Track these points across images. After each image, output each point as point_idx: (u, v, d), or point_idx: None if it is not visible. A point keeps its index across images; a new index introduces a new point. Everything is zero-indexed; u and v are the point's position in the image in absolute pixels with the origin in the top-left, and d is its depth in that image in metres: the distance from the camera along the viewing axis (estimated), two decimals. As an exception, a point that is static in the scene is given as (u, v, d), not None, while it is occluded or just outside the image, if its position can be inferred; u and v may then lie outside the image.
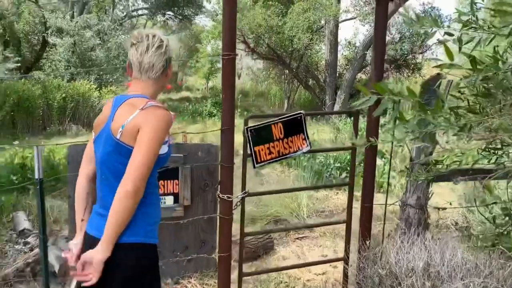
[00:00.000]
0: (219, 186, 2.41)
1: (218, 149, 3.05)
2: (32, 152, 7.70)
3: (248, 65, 23.22)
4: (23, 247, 4.09)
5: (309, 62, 13.89)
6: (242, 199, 2.45)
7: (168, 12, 22.50)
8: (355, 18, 13.28)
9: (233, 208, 2.42)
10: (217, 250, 2.92)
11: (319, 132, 10.40)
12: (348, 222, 2.75)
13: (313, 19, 12.13)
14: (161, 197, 3.41)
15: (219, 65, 25.10)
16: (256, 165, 2.40)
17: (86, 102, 12.72)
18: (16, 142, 9.01)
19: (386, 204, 2.79)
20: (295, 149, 2.49)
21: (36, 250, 3.73)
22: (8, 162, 5.64)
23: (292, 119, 2.45)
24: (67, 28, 14.17)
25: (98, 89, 13.29)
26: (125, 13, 22.04)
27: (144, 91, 1.73)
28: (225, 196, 2.36)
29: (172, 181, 3.42)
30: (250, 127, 2.36)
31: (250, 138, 2.36)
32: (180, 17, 22.48)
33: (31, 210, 4.74)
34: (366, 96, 1.60)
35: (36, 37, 15.32)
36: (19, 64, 13.21)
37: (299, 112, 2.46)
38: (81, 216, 1.80)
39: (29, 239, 4.18)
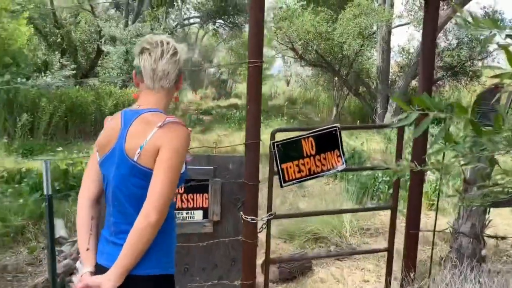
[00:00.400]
0: (242, 206, 2.19)
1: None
2: (74, 159, 7.88)
3: (297, 72, 23.02)
4: (57, 256, 4.07)
5: (360, 69, 13.43)
6: (268, 222, 2.21)
7: (219, 21, 22.75)
8: (408, 23, 12.70)
9: (258, 231, 2.19)
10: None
11: (369, 142, 9.97)
12: (390, 250, 2.44)
13: (364, 25, 11.68)
14: (190, 211, 3.24)
15: (268, 72, 25.10)
16: (283, 184, 2.16)
17: (136, 109, 12.96)
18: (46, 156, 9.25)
19: (434, 230, 2.45)
20: (329, 167, 2.22)
21: (67, 261, 3.68)
22: (51, 169, 5.72)
23: (325, 133, 2.19)
24: (120, 37, 14.58)
25: (147, 96, 13.51)
26: (177, 22, 22.50)
27: (157, 104, 1.57)
28: (249, 218, 2.13)
29: (201, 195, 3.23)
30: (277, 142, 2.12)
31: (277, 154, 2.13)
32: (231, 25, 22.66)
33: (69, 217, 4.74)
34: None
35: (91, 46, 15.89)
36: (74, 72, 13.70)
37: (333, 125, 2.20)
38: (86, 245, 1.61)
39: (63, 248, 4.15)
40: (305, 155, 2.17)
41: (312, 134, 2.16)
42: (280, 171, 2.13)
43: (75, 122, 12.00)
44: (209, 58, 28.63)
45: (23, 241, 4.34)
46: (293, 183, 2.17)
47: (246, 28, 23.26)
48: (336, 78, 13.66)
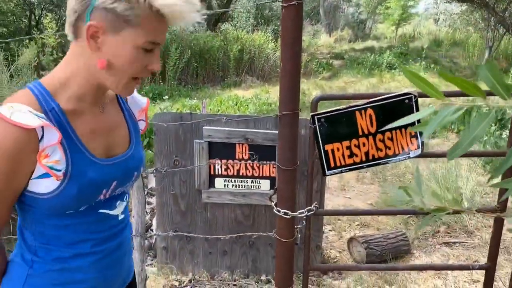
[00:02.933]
0: (275, 195, 1.69)
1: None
2: (199, 105, 7.97)
3: (446, 9, 20.20)
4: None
5: (523, 2, 11.00)
6: (308, 218, 1.68)
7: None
8: None
9: (295, 228, 1.68)
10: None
11: None
12: (491, 268, 1.72)
13: None
14: (256, 180, 2.84)
15: (413, 10, 22.48)
16: (327, 172, 1.58)
17: (262, 54, 12.75)
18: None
19: None
20: (397, 151, 1.56)
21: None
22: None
23: (393, 103, 1.52)
24: (249, -22, 14.23)
25: (274, 40, 13.14)
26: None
27: (56, 70, 0.99)
28: (282, 211, 1.64)
29: (268, 163, 2.79)
30: (319, 114, 1.53)
31: (319, 132, 1.55)
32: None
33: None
34: None
35: (224, -11, 15.85)
36: (205, 17, 13.89)
37: (406, 92, 1.50)
38: None
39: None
40: (360, 133, 1.54)
41: (371, 105, 1.51)
42: (323, 155, 1.56)
43: (203, 67, 12.29)
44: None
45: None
46: (342, 171, 1.58)
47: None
48: (491, 15, 11.42)
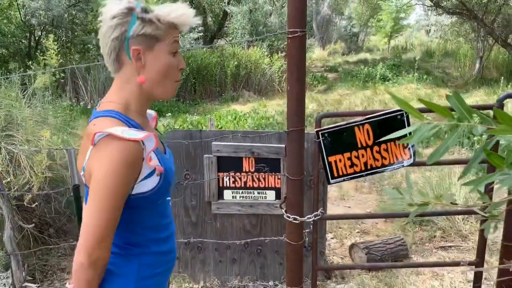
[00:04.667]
0: (284, 203, 1.89)
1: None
2: (205, 122, 8.19)
3: (436, 21, 20.65)
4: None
5: (510, 14, 11.35)
6: (315, 223, 1.88)
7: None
8: None
9: (303, 232, 1.88)
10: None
11: None
12: (479, 264, 1.92)
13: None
14: (262, 191, 3.04)
15: (405, 22, 22.92)
16: (331, 181, 1.79)
17: (258, 69, 13.05)
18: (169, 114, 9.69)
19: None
20: (392, 161, 1.77)
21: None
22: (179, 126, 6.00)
23: (387, 119, 1.73)
24: (243, -4, 14.58)
25: (269, 55, 13.45)
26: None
27: (112, 98, 1.20)
28: (291, 217, 1.83)
29: (273, 175, 2.99)
30: (323, 129, 1.74)
31: (323, 145, 1.75)
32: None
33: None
34: None
35: (219, 7, 16.23)
36: (201, 34, 14.20)
37: (399, 109, 1.72)
38: None
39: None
40: (359, 145, 1.75)
41: (368, 121, 1.73)
42: (327, 165, 1.76)
43: (201, 83, 12.55)
44: (339, 11, 27.23)
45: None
46: (344, 180, 1.78)
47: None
48: (480, 27, 11.78)
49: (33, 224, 2.71)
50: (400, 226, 4.01)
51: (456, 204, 0.89)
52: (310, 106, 10.33)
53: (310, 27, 25.63)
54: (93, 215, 1.09)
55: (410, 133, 1.62)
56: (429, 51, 18.20)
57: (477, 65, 12.76)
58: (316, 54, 21.96)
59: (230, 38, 15.59)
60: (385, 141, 1.74)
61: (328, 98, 11.53)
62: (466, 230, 3.76)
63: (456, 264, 2.06)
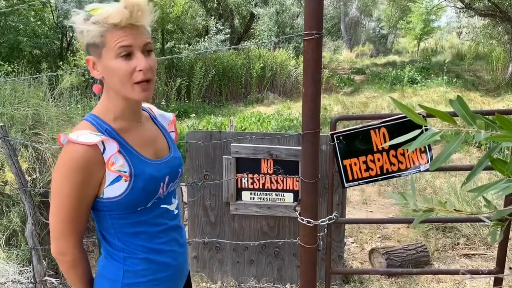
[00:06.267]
0: (299, 205, 1.88)
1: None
2: (228, 123, 8.23)
3: (468, 23, 20.16)
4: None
5: (545, 15, 10.97)
6: (329, 227, 1.87)
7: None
8: None
9: (318, 236, 1.87)
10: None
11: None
12: (499, 272, 1.86)
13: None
14: (280, 193, 3.04)
15: (435, 24, 22.45)
16: (345, 185, 1.77)
17: (283, 71, 13.04)
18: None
19: None
20: (409, 165, 1.74)
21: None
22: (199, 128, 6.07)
23: (404, 122, 1.70)
24: (270, -2, 14.60)
25: (295, 57, 13.42)
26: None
27: (99, 103, 1.26)
28: (305, 220, 1.83)
29: (292, 177, 2.99)
30: (338, 132, 1.73)
31: (338, 148, 1.74)
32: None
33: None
34: None
35: (246, 9, 16.29)
36: (228, 36, 14.29)
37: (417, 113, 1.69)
38: None
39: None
40: (375, 149, 1.73)
41: (384, 124, 1.70)
42: (342, 169, 1.75)
43: (227, 85, 12.64)
44: (368, 12, 26.93)
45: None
46: (359, 184, 1.76)
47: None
48: (514, 29, 11.43)
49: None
50: (422, 232, 3.93)
51: (459, 211, 0.87)
52: (335, 109, 10.25)
53: (338, 28, 25.46)
54: (52, 213, 1.16)
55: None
56: (460, 54, 17.78)
57: (510, 69, 12.38)
58: (343, 56, 21.79)
59: (257, 40, 15.64)
60: (401, 145, 1.71)
61: (354, 100, 11.40)
62: (497, 241, 3.65)
63: (475, 272, 2.01)
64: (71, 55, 10.00)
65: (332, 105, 10.63)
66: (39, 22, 11.91)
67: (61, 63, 9.68)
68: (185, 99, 11.48)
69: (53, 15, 11.97)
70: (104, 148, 1.13)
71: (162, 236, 1.28)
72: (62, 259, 1.19)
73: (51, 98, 3.58)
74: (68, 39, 12.62)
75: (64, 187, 1.12)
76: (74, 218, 1.15)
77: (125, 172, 1.16)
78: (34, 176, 2.96)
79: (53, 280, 2.48)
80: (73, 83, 4.04)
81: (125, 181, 1.16)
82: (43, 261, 2.25)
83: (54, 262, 3.26)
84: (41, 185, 2.96)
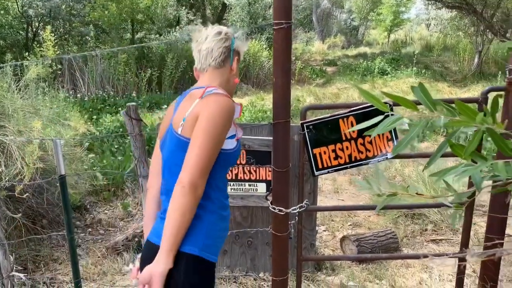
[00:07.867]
0: (270, 195, 1.90)
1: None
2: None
3: (437, 15, 20.57)
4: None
5: (509, 8, 11.31)
6: (299, 215, 1.89)
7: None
8: None
9: (289, 224, 1.89)
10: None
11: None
12: (462, 258, 1.93)
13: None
14: (253, 183, 3.05)
15: (405, 16, 22.82)
16: (315, 173, 1.80)
17: (256, 62, 13.02)
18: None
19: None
20: (376, 153, 1.78)
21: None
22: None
23: (371, 111, 1.74)
24: (243, -12, 14.50)
25: (268, 48, 13.42)
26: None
27: (208, 83, 1.57)
28: (277, 208, 1.85)
29: (264, 167, 3.00)
30: (307, 122, 1.75)
31: (308, 137, 1.76)
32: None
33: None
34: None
35: (218, -1, 16.15)
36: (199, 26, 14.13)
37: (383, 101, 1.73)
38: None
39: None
40: (344, 138, 1.76)
41: (353, 113, 1.73)
42: (312, 158, 1.77)
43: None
44: (340, 4, 27.11)
45: (121, 196, 4.67)
46: (328, 172, 1.79)
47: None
48: (479, 21, 11.74)
49: (21, 214, 2.72)
50: (392, 219, 4.03)
51: (421, 194, 0.89)
52: (308, 100, 10.33)
53: (310, 20, 25.56)
54: (200, 146, 1.34)
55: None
56: (429, 45, 18.14)
57: (476, 60, 12.75)
58: (315, 47, 21.89)
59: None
60: (368, 133, 1.75)
61: (326, 91, 11.51)
62: (457, 224, 3.77)
63: (441, 255, 2.08)
64: (38, 45, 9.69)
65: (305, 96, 10.70)
66: (2, 12, 11.49)
67: (27, 54, 9.39)
68: (156, 90, 11.33)
69: (17, 4, 11.57)
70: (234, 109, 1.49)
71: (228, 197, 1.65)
72: (193, 192, 1.31)
73: (16, 89, 3.47)
74: (34, 29, 12.22)
75: (216, 130, 1.37)
76: (213, 160, 1.39)
77: (234, 135, 1.50)
78: (0, 169, 2.88)
79: (21, 275, 2.43)
80: (40, 74, 3.93)
81: (235, 140, 1.50)
82: (10, 256, 2.20)
83: (23, 257, 3.19)
84: (7, 179, 2.88)
